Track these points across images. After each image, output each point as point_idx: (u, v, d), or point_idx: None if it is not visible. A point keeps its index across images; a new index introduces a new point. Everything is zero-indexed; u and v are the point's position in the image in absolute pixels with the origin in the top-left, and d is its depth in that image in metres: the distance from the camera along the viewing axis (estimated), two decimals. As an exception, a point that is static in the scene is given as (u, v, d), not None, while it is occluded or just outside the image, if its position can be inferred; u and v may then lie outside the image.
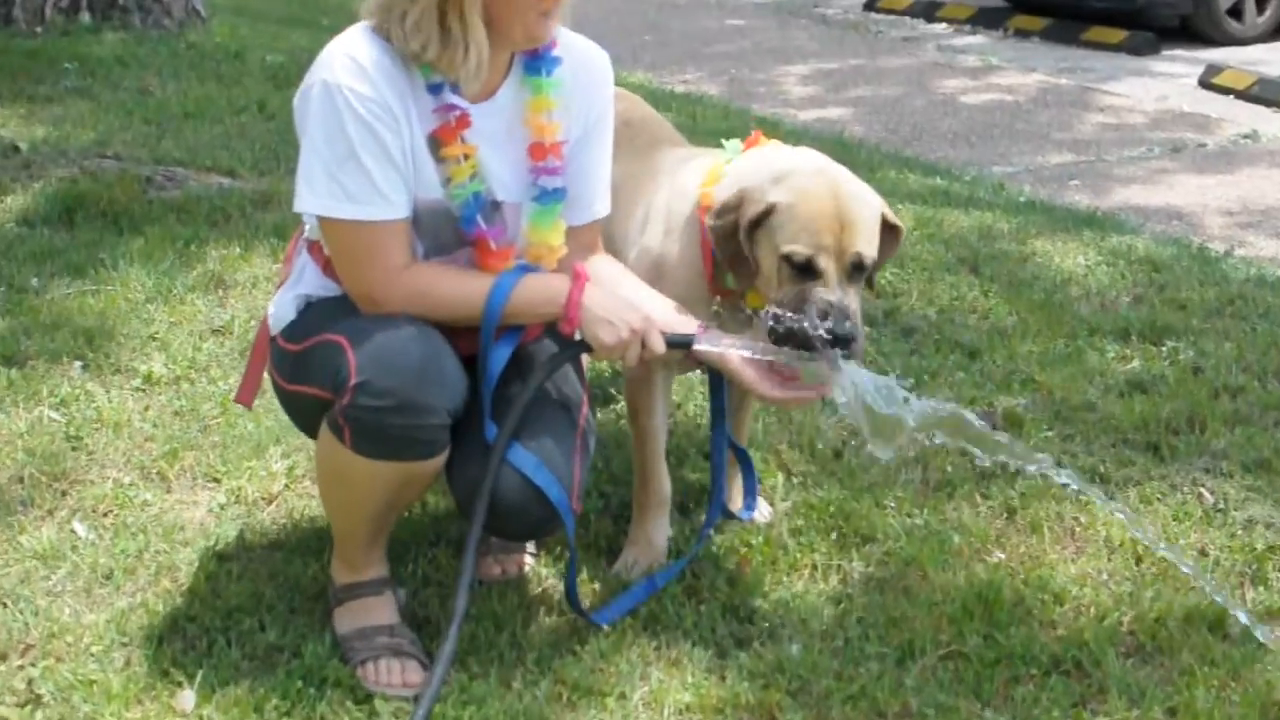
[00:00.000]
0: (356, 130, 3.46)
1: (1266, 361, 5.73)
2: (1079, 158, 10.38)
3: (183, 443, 4.85)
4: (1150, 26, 14.68)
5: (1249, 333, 6.05)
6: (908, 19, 16.80)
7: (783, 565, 4.25)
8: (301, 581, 4.08)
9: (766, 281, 3.81)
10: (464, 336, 3.63)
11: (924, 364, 5.63)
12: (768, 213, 3.76)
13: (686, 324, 3.75)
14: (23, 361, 5.40)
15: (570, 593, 3.89)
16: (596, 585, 4.14)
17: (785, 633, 3.94)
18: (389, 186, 3.51)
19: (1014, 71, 13.50)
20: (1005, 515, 4.56)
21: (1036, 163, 10.25)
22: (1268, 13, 14.68)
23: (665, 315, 3.75)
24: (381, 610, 3.85)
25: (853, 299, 3.73)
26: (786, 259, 3.72)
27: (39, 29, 11.52)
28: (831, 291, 3.68)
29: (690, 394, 5.32)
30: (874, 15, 17.20)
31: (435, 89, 3.55)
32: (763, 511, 4.54)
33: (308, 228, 3.77)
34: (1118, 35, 14.67)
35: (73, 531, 4.35)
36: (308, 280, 3.76)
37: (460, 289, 3.62)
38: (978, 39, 15.49)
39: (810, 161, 3.94)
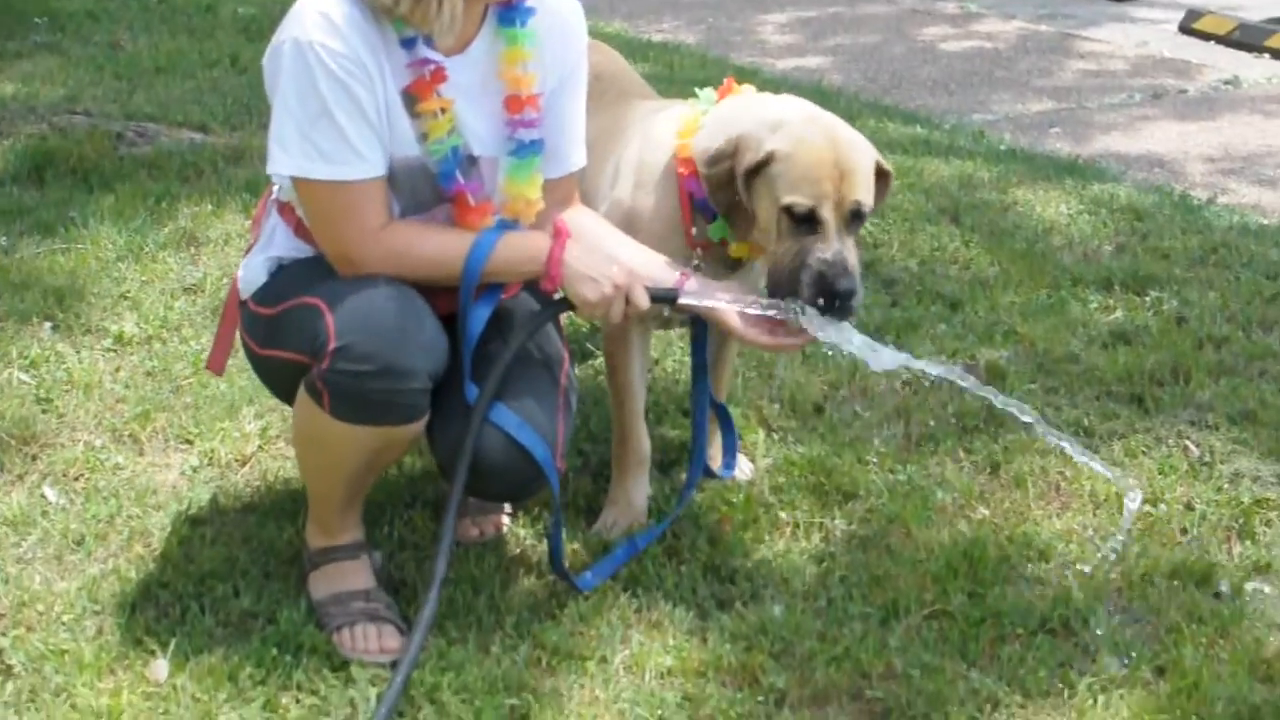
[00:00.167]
0: (330, 88, 3.38)
1: (1250, 311, 5.69)
2: (1059, 105, 10.30)
3: (155, 404, 4.78)
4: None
5: (1233, 282, 6.01)
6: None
7: (764, 524, 4.20)
8: (276, 546, 4.02)
9: (764, 232, 3.75)
10: (442, 295, 3.56)
11: (905, 316, 5.58)
12: (766, 161, 3.71)
13: (670, 275, 3.69)
14: (-9, 323, 5.33)
15: (555, 555, 3.83)
16: (576, 545, 4.08)
17: (767, 593, 3.89)
18: (364, 144, 3.44)
19: (993, 18, 13.41)
20: (989, 470, 4.52)
21: (1017, 110, 10.17)
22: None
23: (648, 267, 3.68)
24: (357, 575, 3.79)
25: (851, 249, 3.69)
26: (787, 210, 3.67)
27: (7, -17, 11.38)
28: (830, 245, 3.64)
29: (669, 349, 5.27)
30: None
31: (409, 43, 3.47)
32: (743, 469, 4.49)
33: (278, 189, 3.68)
34: (1098, -20, 14.58)
35: (43, 496, 4.28)
36: (279, 242, 3.69)
37: (439, 248, 3.54)
38: (957, -15, 15.40)
39: (801, 109, 3.89)
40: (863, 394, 5.00)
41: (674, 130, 4.00)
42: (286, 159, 3.44)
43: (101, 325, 5.36)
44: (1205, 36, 12.50)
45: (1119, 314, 5.68)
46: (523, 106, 3.63)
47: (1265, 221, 7.17)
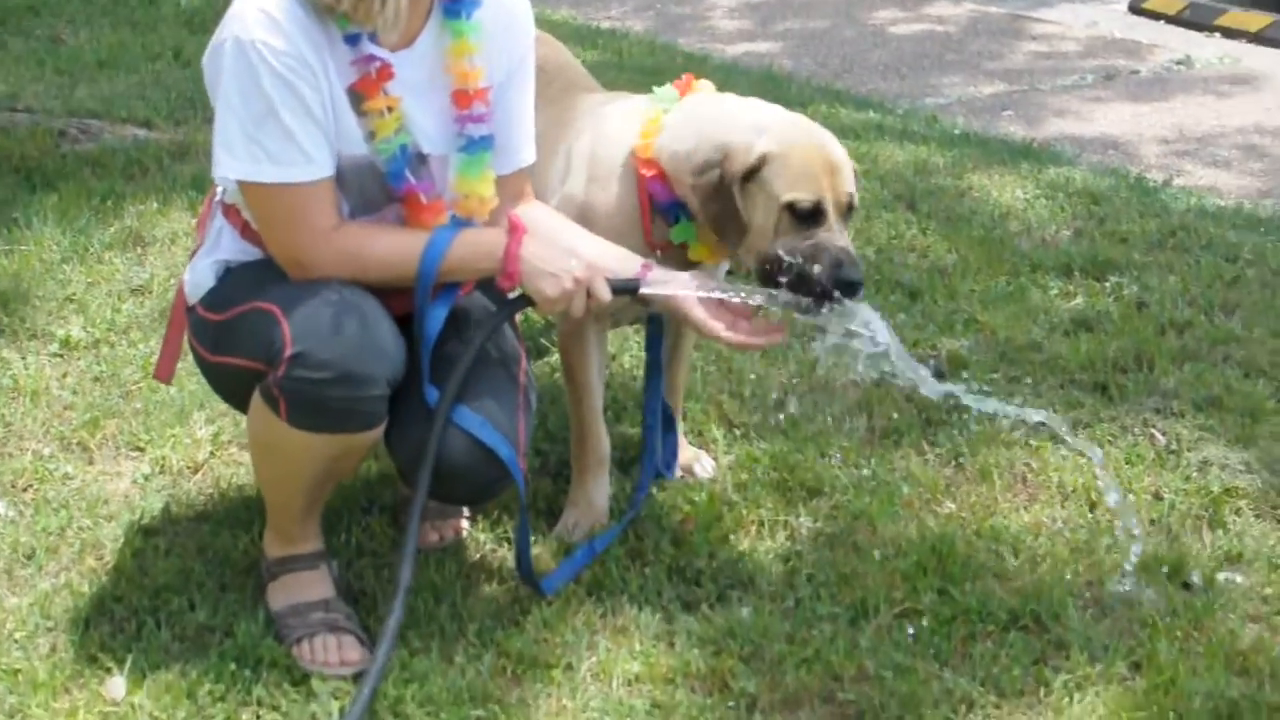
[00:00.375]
0: (274, 87, 3.29)
1: (1211, 294, 5.66)
2: (1011, 87, 10.26)
3: (104, 410, 4.69)
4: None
5: (1192, 265, 5.98)
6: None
7: (728, 522, 4.14)
8: (231, 556, 3.95)
9: (759, 233, 3.70)
10: (395, 296, 3.49)
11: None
12: (759, 165, 3.68)
13: (629, 266, 3.61)
14: (-67, 328, 5.23)
15: (522, 558, 3.76)
16: (538, 549, 4.01)
17: (734, 594, 3.83)
18: (312, 145, 3.35)
19: (943, 1, 13.37)
20: (954, 463, 4.48)
21: (969, 93, 10.13)
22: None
23: (606, 259, 3.60)
24: (317, 585, 3.72)
25: (849, 240, 3.69)
26: (790, 208, 3.65)
27: (-57, -22, 11.23)
28: (835, 237, 3.64)
29: (625, 344, 5.19)
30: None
31: (352, 40, 3.39)
32: (705, 466, 4.43)
33: (222, 191, 3.60)
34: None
35: (-9, 508, 4.20)
36: (225, 245, 3.60)
37: (393, 248, 3.46)
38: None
39: (777, 110, 3.89)
40: (823, 388, 4.93)
41: (632, 127, 3.94)
42: (232, 162, 3.35)
43: (47, 329, 5.26)
44: (1155, 16, 12.50)
45: (1079, 300, 5.64)
46: (471, 101, 3.55)
47: (1222, 203, 7.15)
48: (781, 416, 4.73)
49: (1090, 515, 4.20)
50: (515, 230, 3.50)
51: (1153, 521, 4.18)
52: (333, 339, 3.29)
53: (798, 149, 3.71)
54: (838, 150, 3.77)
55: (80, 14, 10.46)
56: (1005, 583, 3.86)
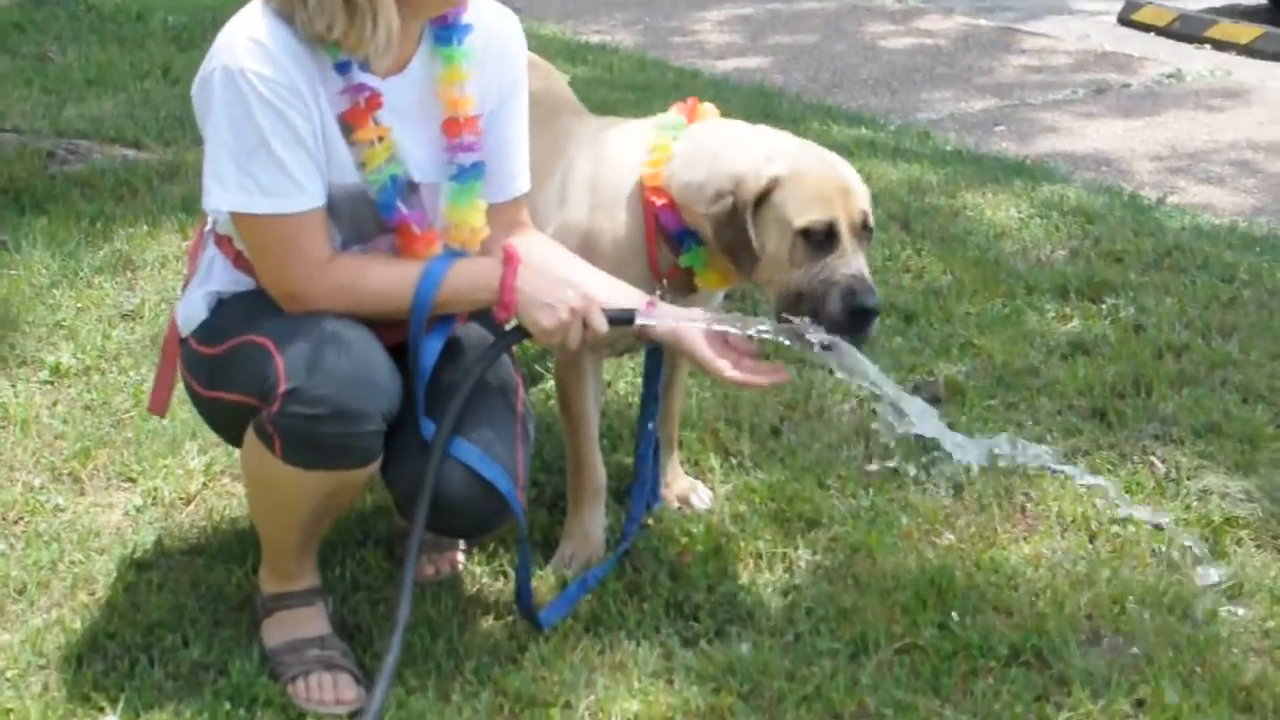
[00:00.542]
0: (265, 116, 3.26)
1: (1209, 316, 5.63)
2: (1002, 102, 10.24)
3: (95, 440, 4.66)
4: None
5: (1189, 286, 5.96)
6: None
7: (726, 555, 4.10)
8: (225, 590, 3.91)
9: (774, 260, 3.68)
10: (388, 326, 3.46)
11: (860, 329, 5.48)
12: (770, 189, 3.67)
13: (628, 298, 3.58)
14: (-80, 356, 5.20)
15: (522, 591, 3.73)
16: (533, 581, 3.95)
17: (733, 630, 3.79)
18: (304, 174, 3.32)
19: (933, 14, 13.37)
20: (952, 492, 4.43)
21: (960, 109, 10.11)
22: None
23: (605, 291, 3.57)
24: (312, 621, 3.69)
25: (864, 264, 3.66)
26: (804, 232, 3.63)
27: (-72, -5, 11.20)
28: (849, 262, 3.61)
29: (620, 371, 5.16)
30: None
31: (343, 68, 3.35)
32: (702, 497, 4.39)
33: (213, 221, 3.56)
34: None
35: (-19, 542, 4.16)
36: (217, 276, 3.56)
37: (388, 280, 3.43)
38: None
39: (785, 136, 3.89)
40: (819, 415, 4.90)
41: (636, 153, 3.91)
42: (224, 193, 3.31)
43: (37, 356, 5.23)
44: (1145, 28, 12.51)
45: (1076, 323, 5.61)
46: (461, 129, 3.52)
47: (1217, 221, 7.13)
48: (778, 445, 4.70)
49: (1090, 546, 4.16)
50: (510, 260, 3.46)
51: (1153, 552, 4.14)
52: (327, 374, 3.26)
53: (809, 173, 3.69)
54: (849, 173, 3.75)
55: (67, 31, 10.44)
56: (1006, 616, 3.83)
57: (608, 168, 3.97)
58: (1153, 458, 4.62)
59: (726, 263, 3.78)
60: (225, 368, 3.44)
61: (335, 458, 3.34)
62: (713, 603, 3.89)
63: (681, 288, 3.87)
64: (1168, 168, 8.59)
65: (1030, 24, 12.89)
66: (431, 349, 3.48)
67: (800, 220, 3.62)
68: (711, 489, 4.45)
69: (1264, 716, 3.50)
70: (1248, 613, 3.89)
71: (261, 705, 3.49)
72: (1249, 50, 11.60)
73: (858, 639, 3.73)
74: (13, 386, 5.00)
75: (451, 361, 3.55)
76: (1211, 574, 3.93)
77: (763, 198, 3.67)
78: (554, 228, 3.98)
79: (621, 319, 3.53)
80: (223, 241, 3.55)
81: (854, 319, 3.55)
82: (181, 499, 4.38)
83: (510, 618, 3.82)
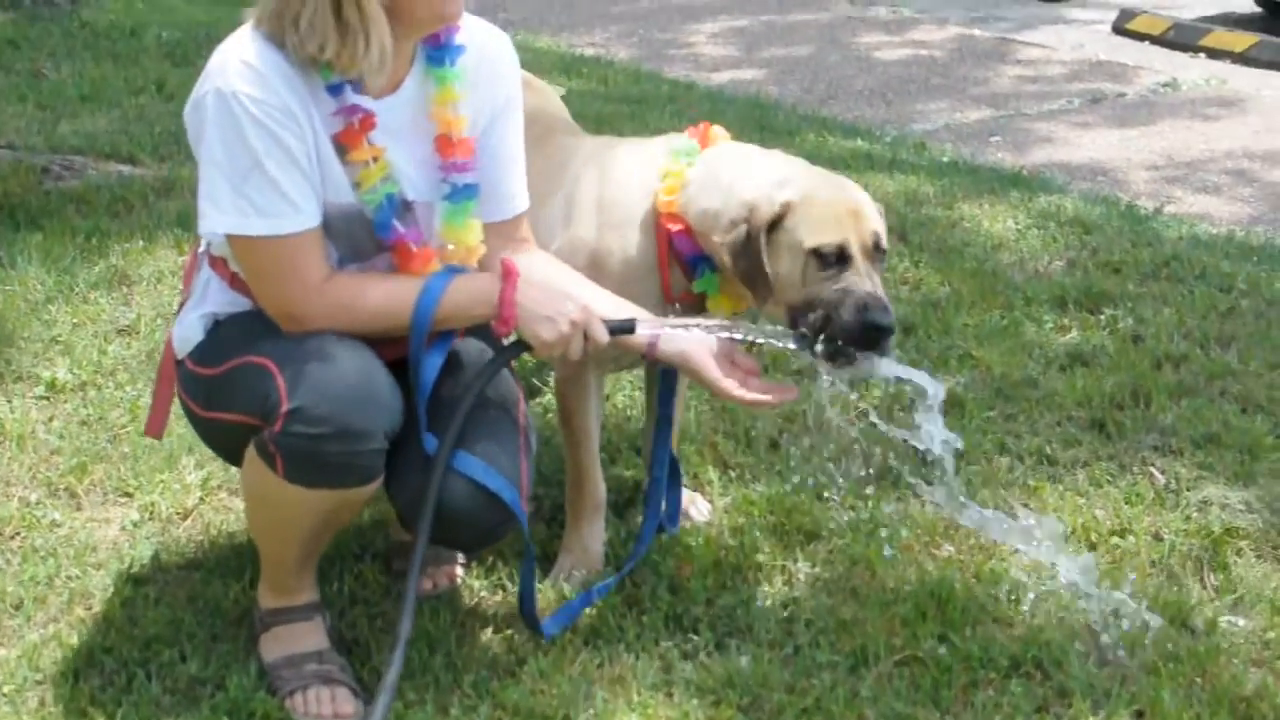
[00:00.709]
0: (258, 138, 3.25)
1: (1207, 326, 5.63)
2: (998, 112, 10.25)
3: (91, 455, 4.65)
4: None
5: (1187, 296, 5.95)
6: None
7: (725, 568, 4.09)
8: (223, 605, 3.90)
9: (787, 284, 3.68)
10: (387, 342, 3.45)
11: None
12: (782, 214, 3.67)
13: (627, 312, 3.59)
14: (-84, 372, 5.18)
15: (526, 600, 3.73)
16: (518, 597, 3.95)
17: (732, 642, 3.78)
18: (299, 195, 3.31)
19: (927, 24, 13.38)
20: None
21: (956, 119, 10.11)
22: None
23: (606, 306, 3.57)
24: (310, 636, 3.68)
25: (880, 284, 3.66)
26: (816, 253, 3.63)
27: (-79, 11, 11.20)
28: (864, 280, 3.62)
29: (618, 385, 5.15)
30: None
31: (335, 89, 3.35)
32: (701, 510, 4.38)
33: (207, 243, 3.55)
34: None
35: (-22, 557, 4.14)
36: (213, 297, 3.55)
37: (387, 298, 3.42)
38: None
39: (795, 162, 3.92)
40: (818, 427, 4.89)
41: (648, 177, 3.92)
42: (220, 216, 3.30)
43: (33, 372, 5.22)
44: (1139, 37, 12.52)
45: (1074, 334, 5.61)
46: (454, 149, 3.51)
47: (1214, 231, 7.13)
48: (776, 458, 4.69)
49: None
50: (509, 275, 3.45)
51: (1153, 563, 4.13)
52: (330, 393, 3.25)
53: (819, 197, 3.70)
54: (861, 196, 3.77)
55: (61, 47, 10.44)
56: (1006, 628, 3.82)
57: (616, 188, 3.97)
58: (1152, 469, 4.61)
59: (740, 288, 3.80)
60: (224, 388, 3.43)
61: (338, 476, 3.33)
62: (712, 615, 3.88)
63: (695, 312, 3.86)
64: (1164, 177, 8.59)
65: (1025, 34, 12.91)
66: (432, 365, 3.47)
67: (811, 241, 3.63)
68: (710, 502, 4.44)
69: (1265, 728, 3.49)
70: (1248, 623, 3.89)
71: (259, 719, 3.48)
72: (1244, 59, 11.62)
73: (857, 651, 3.72)
74: (8, 402, 4.99)
75: (452, 377, 3.54)
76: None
77: (775, 223, 3.67)
78: (559, 245, 3.97)
79: (622, 329, 3.53)
80: (217, 263, 3.54)
81: (867, 333, 3.54)
82: (178, 514, 4.37)
83: (509, 631, 3.81)
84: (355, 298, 3.39)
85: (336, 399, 3.25)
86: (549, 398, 4.91)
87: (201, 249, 3.61)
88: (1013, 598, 3.95)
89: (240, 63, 3.25)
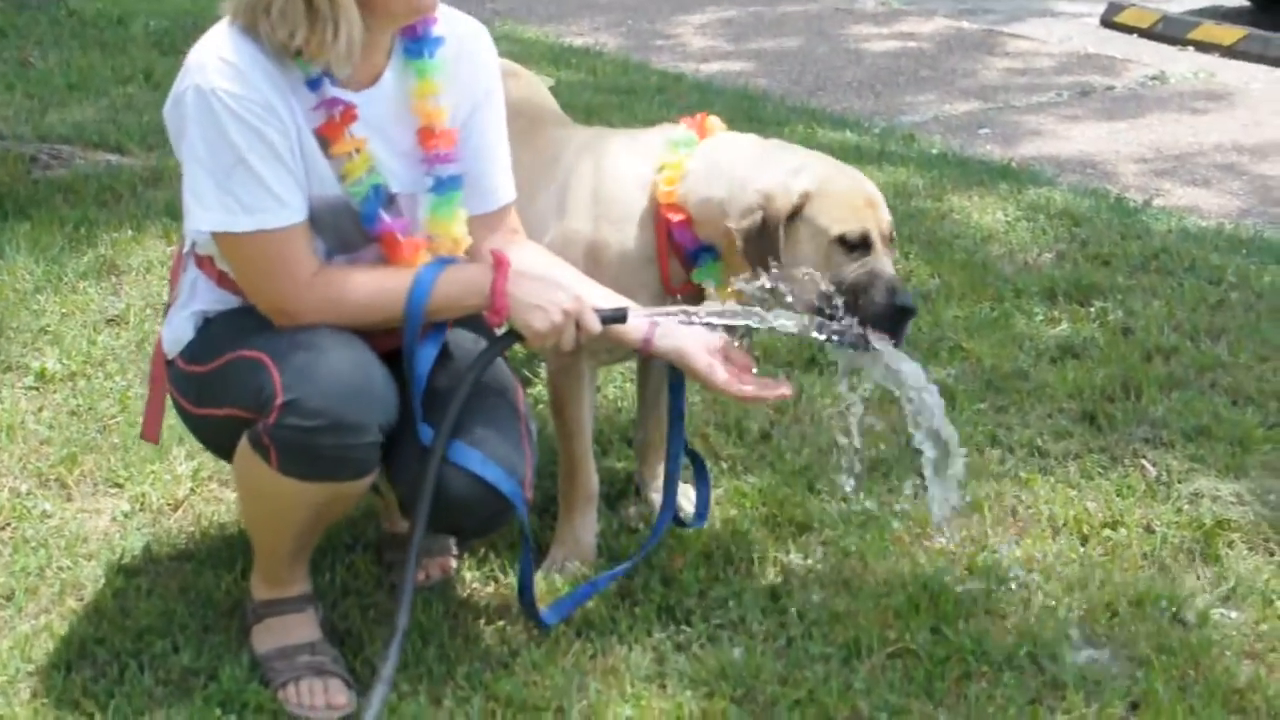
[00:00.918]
0: (240, 134, 3.24)
1: (1196, 319, 5.63)
2: (987, 105, 10.24)
3: (81, 446, 4.64)
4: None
5: (1176, 288, 5.96)
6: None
7: (718, 559, 4.09)
8: (214, 596, 3.89)
9: (806, 270, 3.70)
10: (380, 334, 3.44)
11: (849, 333, 5.47)
12: (802, 203, 3.70)
13: (619, 303, 3.58)
14: (-96, 362, 5.16)
15: (524, 587, 3.72)
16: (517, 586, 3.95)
17: (725, 634, 3.78)
18: (284, 189, 3.30)
19: (915, 16, 13.36)
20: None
21: (944, 111, 10.09)
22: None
23: (596, 295, 3.58)
24: (303, 627, 3.67)
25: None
26: (840, 240, 3.68)
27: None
28: (886, 266, 3.69)
29: (609, 376, 5.14)
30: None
31: (314, 83, 3.34)
32: (693, 501, 4.36)
33: (192, 243, 3.54)
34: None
35: (-32, 548, 4.13)
36: (201, 296, 3.54)
37: (378, 290, 3.41)
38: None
39: (802, 150, 3.95)
40: (810, 419, 4.89)
41: (645, 168, 3.93)
42: (205, 214, 3.30)
43: (22, 362, 5.20)
44: (1128, 30, 12.52)
45: (1064, 326, 5.61)
46: (436, 141, 3.51)
47: (1203, 224, 7.12)
48: (768, 449, 4.69)
49: (1082, 549, 4.16)
50: (500, 265, 3.45)
51: (1145, 555, 4.14)
52: (325, 386, 3.24)
53: (837, 184, 3.75)
54: (871, 186, 3.82)
55: (48, 36, 10.41)
56: (999, 620, 3.82)
57: (611, 180, 3.97)
58: (1143, 461, 4.62)
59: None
60: (217, 383, 3.43)
61: (332, 469, 3.32)
62: (704, 607, 3.88)
63: (692, 303, 3.85)
64: (1153, 170, 8.59)
65: (1013, 26, 12.91)
66: (426, 356, 3.46)
67: (836, 229, 3.67)
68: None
69: (1257, 719, 3.49)
70: (1240, 616, 3.89)
71: (252, 711, 3.47)
72: (1232, 52, 11.61)
73: (850, 643, 3.72)
74: (-2, 392, 4.98)
75: (445, 368, 3.52)
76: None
77: (795, 212, 3.70)
78: (553, 237, 3.97)
79: (615, 318, 3.52)
80: (204, 262, 3.53)
81: (897, 316, 3.62)
82: (169, 504, 4.36)
83: (502, 622, 3.80)
84: (346, 290, 3.39)
85: (331, 392, 3.24)
86: (539, 389, 4.91)
87: (186, 249, 3.59)
88: (1005, 590, 3.94)
89: (218, 59, 3.25)
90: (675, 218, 3.84)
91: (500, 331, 3.57)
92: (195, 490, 4.42)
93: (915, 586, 3.91)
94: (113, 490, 4.45)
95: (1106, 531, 4.24)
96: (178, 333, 3.54)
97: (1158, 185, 8.23)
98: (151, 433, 3.80)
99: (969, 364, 5.26)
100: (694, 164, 3.87)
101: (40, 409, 4.90)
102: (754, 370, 3.64)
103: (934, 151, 8.51)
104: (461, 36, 3.61)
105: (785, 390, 3.63)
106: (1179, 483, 4.50)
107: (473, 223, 3.62)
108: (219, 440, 3.56)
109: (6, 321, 5.49)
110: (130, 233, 6.38)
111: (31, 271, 5.93)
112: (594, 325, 3.47)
